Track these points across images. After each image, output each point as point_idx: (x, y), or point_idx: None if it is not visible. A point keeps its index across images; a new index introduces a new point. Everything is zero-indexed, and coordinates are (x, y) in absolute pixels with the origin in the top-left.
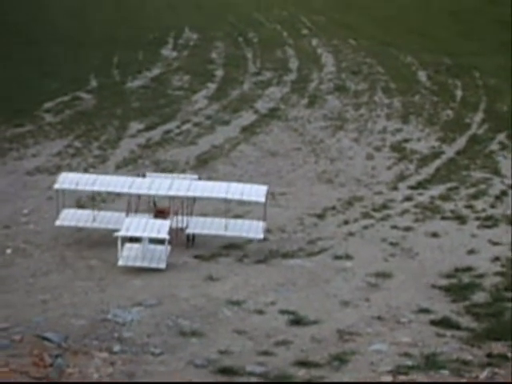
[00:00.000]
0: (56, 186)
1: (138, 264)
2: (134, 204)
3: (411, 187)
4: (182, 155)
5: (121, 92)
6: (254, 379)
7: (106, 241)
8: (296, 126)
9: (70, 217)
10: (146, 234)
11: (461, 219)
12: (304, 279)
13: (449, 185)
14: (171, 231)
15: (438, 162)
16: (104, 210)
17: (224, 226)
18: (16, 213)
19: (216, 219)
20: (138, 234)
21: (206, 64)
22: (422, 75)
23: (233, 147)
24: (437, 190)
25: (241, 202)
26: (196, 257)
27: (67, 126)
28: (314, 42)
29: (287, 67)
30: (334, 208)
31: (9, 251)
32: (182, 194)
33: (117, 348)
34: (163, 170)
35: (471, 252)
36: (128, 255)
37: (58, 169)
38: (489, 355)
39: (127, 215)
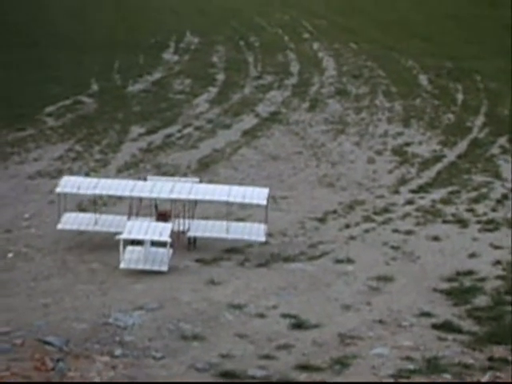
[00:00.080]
0: (58, 189)
1: (140, 267)
2: (136, 207)
3: (412, 191)
4: (183, 159)
5: (122, 96)
6: (255, 381)
7: (107, 244)
8: (297, 129)
9: (72, 220)
10: (147, 237)
11: (462, 223)
12: (305, 283)
13: (450, 188)
14: (173, 234)
15: (439, 166)
16: (105, 214)
17: (225, 229)
18: (17, 217)
19: (217, 222)
20: (139, 237)
21: (207, 68)
22: (423, 79)
23: (234, 151)
24: (438, 193)
25: (242, 206)
26: (197, 260)
27: (68, 130)
28: (315, 45)
29: (288, 71)
30: (335, 212)
31: (10, 255)
32: (183, 197)
33: (118, 352)
34: (164, 174)
35: (472, 256)
36: (130, 258)
37: (60, 173)
38: (490, 359)
39: (129, 218)
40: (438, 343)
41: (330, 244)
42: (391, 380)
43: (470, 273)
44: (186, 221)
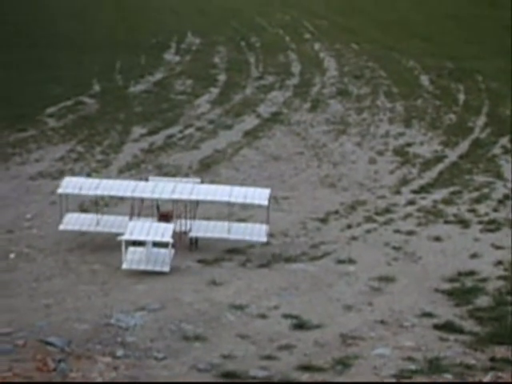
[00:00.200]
0: (59, 190)
1: (142, 267)
2: (138, 208)
3: (414, 191)
4: (184, 160)
5: (123, 96)
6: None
7: (109, 245)
8: (298, 130)
9: (74, 221)
10: (149, 238)
11: (464, 223)
12: (307, 283)
13: (452, 189)
14: (174, 235)
15: (440, 166)
16: (107, 214)
17: (227, 230)
18: (19, 217)
19: (219, 223)
20: (141, 238)
21: (208, 68)
22: (424, 79)
23: (235, 151)
24: (440, 194)
25: (243, 206)
26: (199, 261)
27: (70, 131)
28: (317, 46)
29: (290, 71)
30: (336, 212)
31: (12, 256)
32: (185, 197)
33: (120, 352)
34: (166, 175)
35: (474, 256)
36: (132, 259)
37: (61, 173)
38: (492, 359)
39: (131, 219)
40: (439, 343)
41: (332, 244)
42: (393, 380)
43: (471, 273)
44: (188, 221)
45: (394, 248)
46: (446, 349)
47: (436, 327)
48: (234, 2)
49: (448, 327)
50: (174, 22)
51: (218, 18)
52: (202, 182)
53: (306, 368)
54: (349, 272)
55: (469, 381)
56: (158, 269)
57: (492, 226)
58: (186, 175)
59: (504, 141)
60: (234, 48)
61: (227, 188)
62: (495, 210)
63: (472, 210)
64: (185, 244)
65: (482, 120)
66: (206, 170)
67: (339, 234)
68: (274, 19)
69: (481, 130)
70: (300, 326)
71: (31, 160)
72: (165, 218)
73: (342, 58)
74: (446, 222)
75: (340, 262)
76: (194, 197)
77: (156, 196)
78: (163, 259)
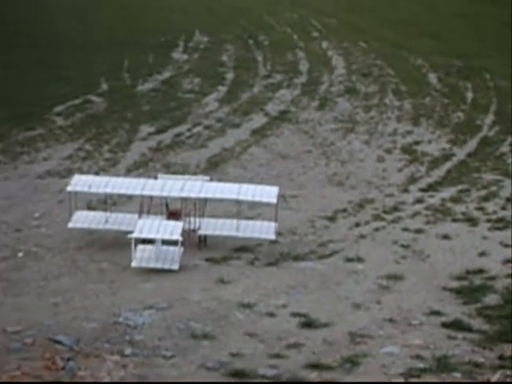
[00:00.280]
0: (69, 188)
1: (152, 265)
2: (147, 206)
3: (422, 189)
4: (192, 158)
5: (131, 95)
6: (265, 381)
7: (117, 244)
8: (306, 128)
9: (83, 219)
10: (159, 236)
11: (472, 221)
12: (315, 282)
13: (460, 187)
14: (183, 233)
15: (448, 164)
16: (116, 212)
17: (236, 227)
18: (27, 216)
19: (227, 220)
20: (151, 236)
21: (216, 67)
22: (432, 77)
23: (243, 150)
24: (448, 192)
25: (251, 205)
26: (207, 259)
27: (78, 130)
28: (325, 44)
29: (298, 70)
30: (345, 210)
31: (20, 254)
32: (193, 195)
33: (128, 351)
34: (174, 173)
35: (482, 254)
36: (141, 256)
37: (69, 172)
38: (500, 357)
39: (140, 217)
40: (447, 342)
41: (340, 243)
42: (401, 378)
43: (479, 271)
44: (197, 219)
45: (403, 246)
46: (455, 347)
47: (444, 325)
48: (242, 1)
49: (456, 325)
50: (182, 21)
51: (227, 17)
52: (211, 180)
53: (315, 366)
54: (357, 270)
55: (477, 379)
56: (167, 267)
57: (500, 224)
58: (194, 174)
59: None
60: (242, 46)
61: (236, 186)
62: (503, 208)
63: (480, 208)
64: (193, 242)
65: (490, 118)
66: (213, 168)
67: (347, 233)
68: (282, 18)
69: (489, 128)
70: (308, 324)
71: (39, 159)
72: (174, 216)
73: (350, 57)
74: (455, 220)
75: (348, 260)
76: (202, 195)
77: (165, 194)
78: (172, 257)
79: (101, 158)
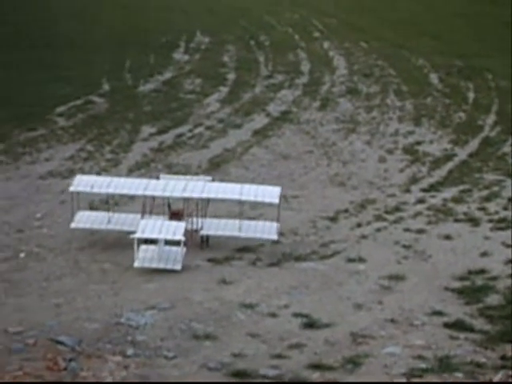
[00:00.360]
0: (71, 188)
1: (154, 265)
2: (149, 206)
3: (424, 190)
4: (194, 159)
5: (133, 96)
6: (267, 381)
7: (119, 244)
8: (308, 128)
9: (85, 219)
10: (161, 236)
11: (474, 221)
12: (317, 282)
13: (461, 187)
14: (186, 233)
15: (450, 165)
16: (118, 213)
17: (238, 228)
18: (29, 217)
19: (230, 221)
20: (154, 236)
21: (217, 67)
22: (433, 77)
23: (245, 150)
24: (449, 192)
25: (253, 205)
26: (209, 260)
27: (80, 130)
28: (326, 44)
29: (299, 70)
30: (346, 211)
31: (22, 255)
32: (196, 195)
33: (130, 351)
34: (176, 174)
35: (484, 254)
36: (144, 257)
37: (71, 173)
38: (502, 357)
39: (142, 217)
40: (449, 342)
41: (342, 243)
42: (403, 379)
43: (481, 271)
44: (199, 219)
45: (404, 246)
46: (457, 347)
47: (446, 326)
48: (242, 1)
49: (458, 326)
50: (183, 21)
51: (227, 17)
52: (213, 181)
53: (317, 367)
54: (359, 271)
55: (479, 379)
56: (169, 267)
57: (502, 224)
58: (196, 174)
59: None
60: (243, 47)
61: (238, 186)
62: (505, 209)
63: (482, 209)
64: (196, 242)
65: (491, 118)
66: (215, 169)
67: (349, 233)
68: (283, 18)
69: (490, 128)
70: (310, 324)
71: (41, 159)
72: (176, 216)
73: (351, 57)
74: (456, 221)
75: (350, 260)
76: (205, 195)
77: (167, 194)
78: (175, 257)
79: (102, 158)
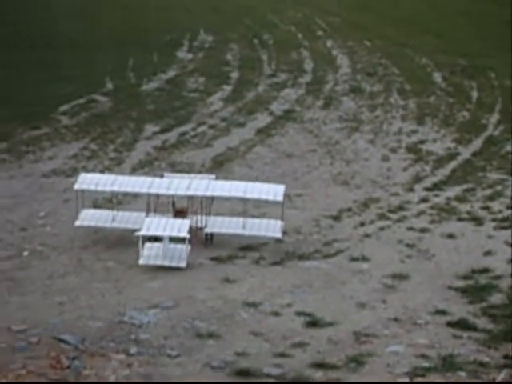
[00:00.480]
0: (76, 186)
1: (159, 263)
2: (153, 204)
3: (427, 189)
4: (197, 157)
5: (136, 94)
6: (270, 381)
7: (123, 242)
8: (311, 127)
9: (90, 217)
10: (166, 234)
11: (477, 220)
12: (320, 281)
13: (465, 186)
14: (190, 230)
15: (453, 164)
16: (122, 211)
17: (242, 226)
18: (32, 215)
19: (234, 218)
20: (158, 234)
21: (221, 66)
22: (437, 76)
23: (248, 149)
24: (453, 191)
25: (257, 204)
26: (212, 258)
27: (83, 129)
28: (329, 43)
29: (302, 69)
30: (349, 210)
31: (26, 253)
32: (200, 193)
33: (133, 350)
34: (179, 172)
35: (488, 253)
36: (149, 254)
37: (75, 171)
38: (506, 357)
39: (147, 215)
40: (453, 341)
41: (345, 242)
42: (406, 378)
43: (485, 270)
44: (203, 217)
45: (408, 245)
46: (460, 346)
47: (449, 325)
48: (246, 0)
49: (461, 325)
50: (186, 20)
51: (231, 16)
52: (217, 179)
53: (320, 365)
54: (362, 269)
55: (482, 378)
56: (174, 264)
57: (505, 223)
58: (200, 173)
59: None
60: (246, 45)
61: (242, 184)
62: (509, 208)
63: (485, 208)
64: (200, 240)
65: (495, 117)
66: (219, 167)
67: (352, 232)
68: (286, 16)
69: (494, 127)
70: (313, 323)
71: (44, 158)
72: (180, 214)
73: (354, 56)
74: (460, 220)
75: (353, 259)
76: (209, 193)
77: (172, 192)
78: (180, 255)
79: (106, 157)
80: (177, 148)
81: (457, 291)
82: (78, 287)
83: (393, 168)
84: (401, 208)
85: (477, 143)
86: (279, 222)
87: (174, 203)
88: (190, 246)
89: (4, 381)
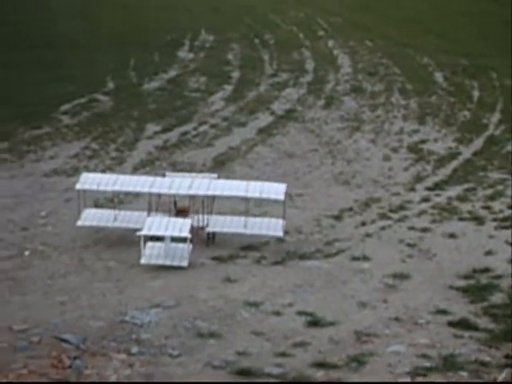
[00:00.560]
0: (78, 186)
1: (161, 262)
2: (155, 203)
3: (428, 188)
4: (198, 157)
5: (137, 94)
6: (271, 381)
7: (124, 242)
8: (312, 127)
9: (92, 217)
10: (168, 233)
11: (478, 220)
12: (321, 280)
13: (466, 186)
14: (192, 230)
15: (455, 163)
16: (124, 210)
17: (244, 225)
18: (34, 215)
19: (235, 217)
20: (160, 233)
21: (222, 66)
22: (438, 76)
23: (249, 149)
24: (454, 190)
25: (258, 203)
26: (214, 258)
27: (84, 128)
28: (331, 43)
29: (304, 68)
30: (351, 209)
31: (27, 253)
32: (202, 192)
33: (135, 350)
34: (180, 172)
35: (489, 253)
36: (150, 254)
37: (76, 171)
38: (507, 356)
39: (149, 214)
40: (454, 341)
41: (346, 241)
42: (408, 378)
43: (486, 270)
44: (205, 216)
45: (409, 245)
46: (461, 346)
47: (451, 324)
48: (246, 0)
49: (463, 324)
50: (187, 20)
51: (232, 15)
52: (219, 178)
53: (321, 365)
54: (363, 269)
55: (484, 378)
56: (176, 263)
57: (507, 222)
58: (201, 172)
59: None
60: (247, 45)
61: (243, 183)
62: (510, 207)
63: (486, 207)
64: (202, 239)
65: (496, 117)
66: (220, 167)
67: (353, 231)
68: (287, 16)
69: (495, 126)
70: (314, 323)
71: (46, 157)
72: (182, 213)
73: (355, 55)
74: (461, 219)
75: (354, 259)
76: (210, 192)
77: (173, 191)
78: (181, 254)
79: (107, 156)
80: (178, 148)
81: (458, 291)
82: (80, 287)
83: (394, 167)
84: (402, 208)
85: (478, 143)
86: (281, 221)
87: (175, 202)
88: (191, 246)
89: (5, 380)
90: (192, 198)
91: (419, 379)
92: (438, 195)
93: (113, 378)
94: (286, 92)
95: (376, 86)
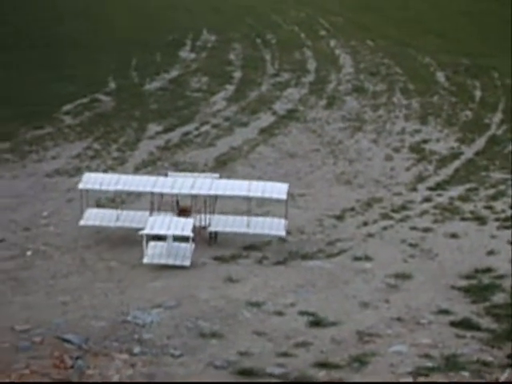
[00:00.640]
0: (80, 185)
1: (163, 261)
2: (157, 203)
3: (430, 188)
4: (200, 157)
5: (139, 94)
6: (273, 381)
7: (126, 242)
8: (314, 127)
9: (94, 217)
10: (170, 232)
11: (480, 220)
12: (323, 280)
13: (468, 186)
14: (194, 229)
15: (456, 163)
16: (126, 210)
17: (246, 224)
18: (36, 215)
19: (238, 217)
20: (162, 232)
21: (224, 66)
22: (440, 76)
23: (251, 149)
24: (456, 190)
25: (260, 203)
26: (216, 258)
27: (86, 128)
28: (332, 43)
29: (305, 68)
30: (352, 209)
31: (29, 253)
32: (204, 192)
33: (137, 350)
34: (182, 172)
35: (491, 253)
36: (153, 253)
37: (78, 171)
38: (509, 356)
39: (151, 214)
40: (456, 341)
41: (348, 241)
42: (410, 378)
43: (488, 270)
44: (207, 216)
45: (411, 245)
46: (463, 346)
47: (453, 324)
48: (246, 0)
49: (465, 324)
50: (188, 20)
51: (233, 15)
52: (220, 178)
53: (323, 365)
54: (365, 269)
55: (486, 378)
56: (178, 263)
57: (509, 222)
58: (203, 172)
59: None
60: (249, 45)
61: (246, 183)
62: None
63: (488, 207)
64: (204, 238)
65: (498, 117)
66: (222, 167)
67: (355, 231)
68: (288, 16)
69: (497, 126)
70: (316, 323)
71: (48, 157)
72: (184, 213)
73: (357, 55)
74: (463, 219)
75: (356, 259)
76: (212, 192)
77: (176, 191)
78: (184, 253)
79: (109, 156)
80: (180, 148)
81: (460, 291)
82: (81, 287)
83: (396, 167)
84: (404, 208)
85: (480, 143)
86: (283, 221)
87: (177, 202)
88: (193, 245)
89: (7, 380)
90: (194, 197)
91: (421, 379)
92: (439, 195)
93: (115, 378)
94: (287, 92)
95: (378, 86)
